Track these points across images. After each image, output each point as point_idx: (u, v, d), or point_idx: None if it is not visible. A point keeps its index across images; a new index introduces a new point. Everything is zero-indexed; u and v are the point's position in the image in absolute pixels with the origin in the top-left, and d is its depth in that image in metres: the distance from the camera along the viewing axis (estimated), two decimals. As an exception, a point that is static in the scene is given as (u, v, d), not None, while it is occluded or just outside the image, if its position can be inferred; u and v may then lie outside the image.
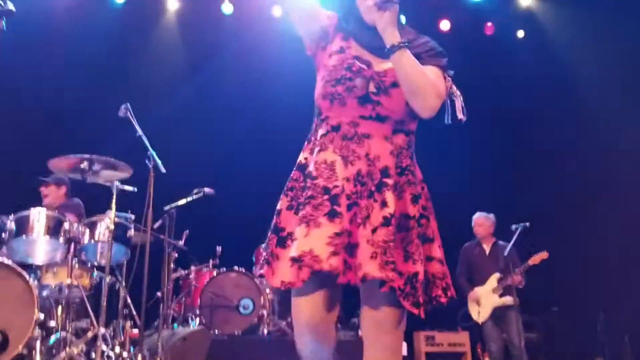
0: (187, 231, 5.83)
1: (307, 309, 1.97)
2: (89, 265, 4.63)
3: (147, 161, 4.32)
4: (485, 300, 5.72)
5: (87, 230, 4.45)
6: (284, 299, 6.43)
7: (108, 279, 4.24)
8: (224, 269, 5.92)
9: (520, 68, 7.78)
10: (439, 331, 6.60)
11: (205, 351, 4.85)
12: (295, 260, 1.81)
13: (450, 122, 2.06)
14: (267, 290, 6.05)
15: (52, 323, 4.21)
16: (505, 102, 7.68)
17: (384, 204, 1.86)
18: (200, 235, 5.98)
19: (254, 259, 6.33)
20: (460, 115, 2.05)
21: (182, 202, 5.39)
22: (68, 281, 4.30)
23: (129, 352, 4.25)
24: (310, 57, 2.16)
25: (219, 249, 6.29)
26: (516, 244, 5.63)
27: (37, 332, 3.93)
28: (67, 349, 4.04)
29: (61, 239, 4.33)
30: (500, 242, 5.92)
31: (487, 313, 5.70)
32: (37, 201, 4.76)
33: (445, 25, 7.96)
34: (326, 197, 1.86)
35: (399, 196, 1.91)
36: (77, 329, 4.37)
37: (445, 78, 2.02)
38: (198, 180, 5.56)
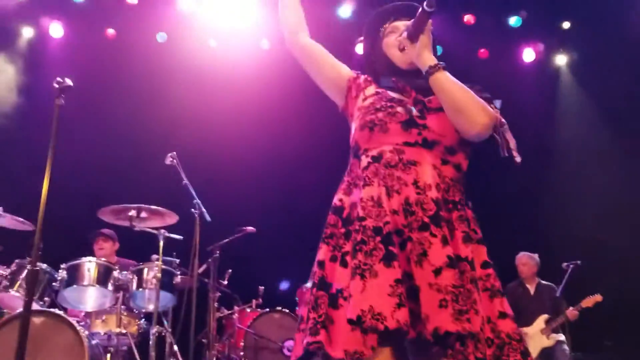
0: (230, 271, 5.86)
1: None
2: (137, 312, 4.68)
3: (193, 209, 4.36)
4: (532, 341, 5.57)
5: (135, 278, 4.51)
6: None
7: (155, 329, 4.27)
8: (267, 309, 5.91)
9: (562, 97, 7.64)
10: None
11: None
12: (354, 322, 1.51)
13: (506, 154, 1.80)
14: (311, 332, 6.01)
15: (102, 372, 4.25)
16: (548, 134, 7.52)
17: (445, 240, 1.60)
18: (242, 274, 6.00)
19: (297, 299, 6.31)
20: (516, 158, 1.80)
21: (224, 241, 5.43)
22: (117, 330, 4.36)
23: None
24: (343, 113, 2.05)
25: (261, 288, 6.30)
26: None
27: (88, 381, 3.97)
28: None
29: (110, 287, 4.40)
30: (544, 282, 5.79)
31: (535, 354, 5.55)
32: (86, 250, 4.83)
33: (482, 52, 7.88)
34: (378, 238, 1.60)
35: (451, 235, 1.65)
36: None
37: (493, 108, 1.81)
38: (240, 219, 5.58)
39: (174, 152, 4.42)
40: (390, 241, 1.60)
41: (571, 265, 5.43)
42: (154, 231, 4.48)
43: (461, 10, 7.29)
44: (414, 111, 1.78)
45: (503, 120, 1.81)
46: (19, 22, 6.85)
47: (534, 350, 5.55)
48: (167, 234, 4.46)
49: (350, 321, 1.52)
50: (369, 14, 2.04)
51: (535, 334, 5.56)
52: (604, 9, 6.77)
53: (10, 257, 4.52)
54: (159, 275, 4.34)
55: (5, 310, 4.68)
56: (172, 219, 4.53)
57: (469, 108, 1.71)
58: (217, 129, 6.39)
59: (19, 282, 4.37)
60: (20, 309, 4.26)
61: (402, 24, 1.89)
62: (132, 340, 4.49)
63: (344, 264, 1.65)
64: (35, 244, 2.57)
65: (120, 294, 4.44)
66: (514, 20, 7.45)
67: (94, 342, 4.33)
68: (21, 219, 4.62)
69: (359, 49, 1.94)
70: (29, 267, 4.32)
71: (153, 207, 4.47)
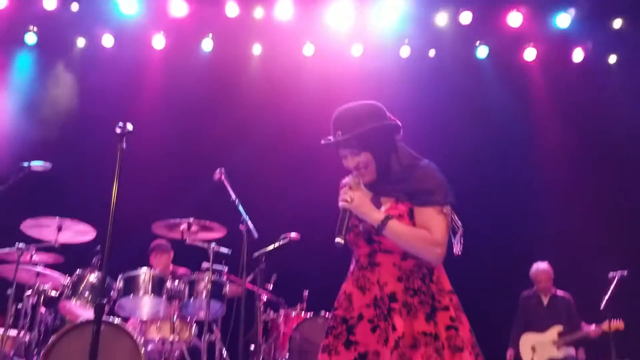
0: (275, 275, 6.05)
1: None
2: (189, 320, 4.93)
3: (240, 225, 4.54)
4: (541, 348, 5.59)
5: (187, 288, 4.75)
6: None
7: (206, 336, 4.50)
8: (312, 313, 6.08)
9: (612, 96, 7.46)
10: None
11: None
12: None
13: (460, 253, 2.21)
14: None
15: (157, 377, 4.52)
16: (598, 133, 7.38)
17: (394, 328, 2.06)
18: (287, 279, 6.18)
19: (341, 303, 6.45)
20: (455, 249, 2.20)
21: (270, 248, 5.61)
22: (171, 337, 4.62)
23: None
24: None
25: (305, 293, 6.48)
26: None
27: (145, 387, 4.24)
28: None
29: (164, 296, 4.65)
30: (560, 294, 5.78)
31: None
32: (140, 261, 5.09)
33: (530, 54, 7.76)
34: (344, 326, 2.14)
35: (413, 315, 2.08)
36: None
37: (445, 214, 2.14)
38: (284, 226, 5.75)
39: (222, 168, 4.61)
40: (351, 332, 2.12)
41: (617, 275, 5.38)
42: (204, 245, 4.70)
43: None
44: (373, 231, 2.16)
45: (454, 220, 2.20)
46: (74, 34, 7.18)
47: (542, 358, 5.57)
48: (216, 248, 4.67)
49: None
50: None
51: (546, 343, 5.58)
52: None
53: (72, 267, 4.83)
54: (209, 285, 4.56)
55: (67, 318, 5.01)
56: (221, 232, 4.74)
57: (420, 251, 2.12)
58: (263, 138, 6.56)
59: (80, 291, 4.67)
60: (83, 318, 4.59)
61: (347, 152, 2.22)
62: (184, 347, 4.75)
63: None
64: (105, 257, 2.78)
65: (174, 303, 4.69)
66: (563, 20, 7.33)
67: (149, 348, 4.61)
68: (86, 226, 4.91)
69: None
70: (93, 278, 4.65)
71: (202, 220, 4.70)
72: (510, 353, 5.75)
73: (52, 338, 4.33)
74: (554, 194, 7.30)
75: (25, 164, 4.63)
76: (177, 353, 4.72)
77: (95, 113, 6.33)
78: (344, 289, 2.21)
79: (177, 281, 4.76)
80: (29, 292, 5.09)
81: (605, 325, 5.35)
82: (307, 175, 7.14)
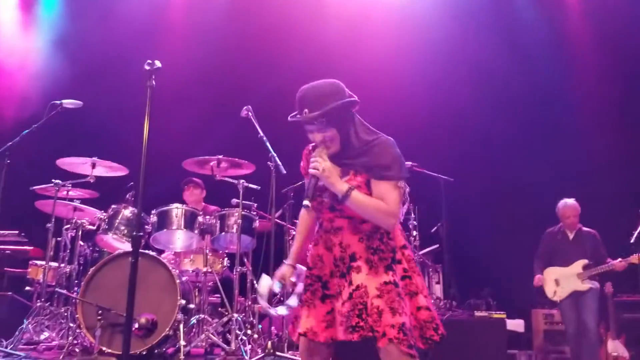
0: (303, 212, 6.15)
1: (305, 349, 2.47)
2: (221, 253, 5.10)
3: (269, 162, 4.60)
4: (565, 281, 5.61)
5: (219, 223, 4.89)
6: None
7: (238, 268, 4.67)
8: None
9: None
10: (559, 309, 6.54)
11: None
12: (301, 334, 2.39)
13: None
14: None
15: (192, 306, 4.71)
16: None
17: (350, 283, 2.34)
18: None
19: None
20: (400, 218, 2.48)
21: (299, 184, 5.69)
22: (204, 269, 4.80)
23: (259, 333, 4.70)
24: None
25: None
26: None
27: (180, 316, 4.43)
28: (206, 330, 4.56)
29: (196, 231, 4.80)
30: (585, 229, 5.76)
31: (565, 294, 5.61)
32: (172, 197, 5.22)
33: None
34: (319, 283, 2.41)
35: (375, 271, 2.35)
36: (213, 311, 4.87)
37: (399, 187, 2.37)
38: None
39: (249, 106, 4.63)
40: (327, 287, 2.40)
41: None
42: (234, 181, 4.79)
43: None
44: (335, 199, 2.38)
45: (405, 194, 2.62)
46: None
47: (565, 291, 5.61)
48: (245, 184, 4.76)
49: (300, 334, 2.39)
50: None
51: (570, 276, 5.60)
52: None
53: (106, 203, 4.99)
54: (240, 220, 4.68)
55: (105, 250, 5.23)
56: (250, 169, 4.82)
57: (377, 219, 2.36)
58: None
59: (116, 225, 4.84)
60: (120, 250, 4.77)
61: (313, 128, 2.39)
62: (217, 277, 4.94)
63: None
64: (140, 193, 2.87)
65: (206, 237, 4.84)
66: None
67: (184, 279, 4.79)
68: (117, 165, 5.06)
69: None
70: (128, 213, 4.81)
71: (231, 158, 4.78)
72: (537, 278, 5.79)
73: (92, 269, 4.52)
74: (583, 131, 7.20)
75: (57, 102, 4.74)
76: (210, 284, 4.91)
77: (123, 51, 6.34)
78: (317, 252, 2.46)
79: (208, 216, 4.88)
80: (67, 226, 5.32)
81: (633, 259, 5.36)
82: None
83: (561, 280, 5.66)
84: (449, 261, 6.30)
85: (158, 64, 2.77)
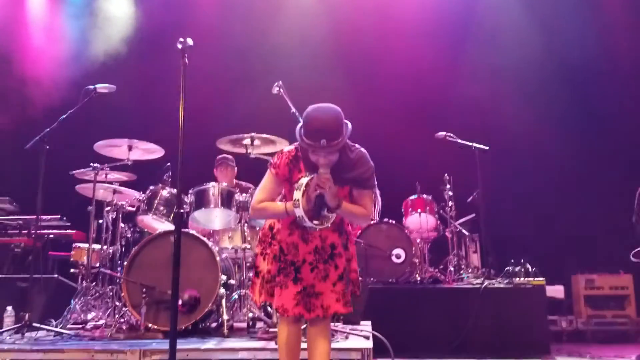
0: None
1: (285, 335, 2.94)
2: (258, 229, 5.13)
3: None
4: None
5: (254, 199, 4.92)
6: (433, 247, 6.68)
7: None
8: (375, 221, 6.24)
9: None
10: (600, 274, 6.46)
11: (364, 297, 5.27)
12: (275, 309, 3.00)
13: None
14: (418, 241, 6.32)
15: (232, 281, 4.80)
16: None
17: (336, 267, 2.85)
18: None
19: (402, 210, 6.58)
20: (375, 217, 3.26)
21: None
22: (242, 245, 4.87)
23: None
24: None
25: (368, 200, 6.61)
26: None
27: (222, 291, 4.52)
28: (247, 304, 4.65)
29: (233, 209, 4.86)
30: None
31: None
32: (206, 176, 5.28)
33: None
34: (292, 267, 2.83)
35: (347, 252, 2.92)
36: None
37: (374, 194, 3.07)
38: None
39: (280, 82, 4.62)
40: (299, 270, 2.83)
41: None
42: (268, 158, 4.80)
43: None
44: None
45: (377, 197, 3.32)
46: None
47: None
48: (279, 159, 4.76)
49: (275, 309, 2.98)
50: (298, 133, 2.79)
51: None
52: None
53: (144, 185, 5.08)
54: (275, 196, 4.71)
55: (145, 230, 5.34)
56: (283, 145, 4.81)
57: (358, 220, 3.10)
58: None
59: (155, 206, 4.93)
60: (160, 230, 4.87)
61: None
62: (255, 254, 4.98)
63: (264, 259, 2.97)
64: (179, 170, 2.93)
65: (243, 214, 4.88)
66: None
67: (223, 255, 4.87)
68: (153, 145, 5.12)
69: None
70: (166, 193, 4.89)
71: (264, 134, 4.80)
72: None
73: (134, 249, 4.64)
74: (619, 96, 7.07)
75: (91, 87, 4.81)
76: (249, 260, 4.98)
77: (155, 30, 6.37)
78: (292, 240, 2.86)
79: (244, 194, 4.93)
80: (107, 209, 5.44)
81: None
82: (364, 81, 7.09)
83: None
84: (485, 230, 6.25)
85: (190, 41, 2.79)
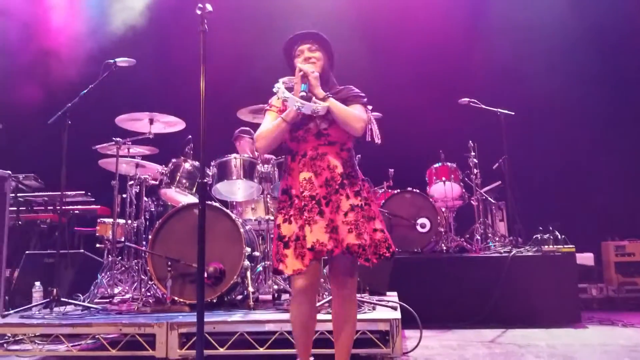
0: (360, 156, 6.09)
1: (305, 281, 2.78)
2: (281, 200, 5.09)
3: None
4: None
5: (277, 170, 4.87)
6: (459, 216, 6.58)
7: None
8: (399, 190, 6.15)
9: None
10: (630, 241, 6.33)
11: (389, 266, 5.21)
12: (310, 249, 2.67)
13: (370, 139, 2.95)
14: (443, 209, 6.22)
15: (257, 253, 4.77)
16: None
17: (347, 197, 2.78)
18: (372, 158, 6.21)
19: (426, 179, 6.48)
20: (376, 140, 2.98)
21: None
22: (266, 217, 4.83)
23: (324, 277, 4.72)
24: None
25: (391, 171, 6.53)
26: None
27: (247, 263, 4.50)
28: (273, 276, 4.63)
29: (255, 180, 4.81)
30: None
31: None
32: (227, 148, 5.23)
33: None
34: (314, 202, 2.75)
35: (350, 191, 2.81)
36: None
37: (367, 110, 2.90)
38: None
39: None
40: (320, 203, 2.76)
41: None
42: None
43: None
44: (322, 125, 2.84)
45: (371, 116, 2.93)
46: None
47: None
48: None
49: (308, 249, 2.67)
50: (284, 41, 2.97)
51: None
52: None
53: (166, 158, 5.05)
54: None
55: (169, 204, 5.33)
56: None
57: (351, 121, 2.80)
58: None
59: (177, 179, 4.91)
60: (184, 202, 4.85)
61: (305, 47, 2.94)
62: (279, 225, 4.94)
63: (291, 222, 2.78)
64: (202, 142, 2.83)
65: (266, 185, 4.84)
66: None
67: (247, 227, 4.84)
68: (174, 118, 5.08)
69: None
70: (188, 166, 4.86)
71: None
72: None
73: (158, 223, 4.62)
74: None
75: (111, 62, 4.76)
76: (273, 231, 4.94)
77: (173, 2, 6.27)
78: (303, 177, 2.81)
79: (266, 165, 4.87)
80: (131, 183, 5.45)
81: None
82: (386, 49, 6.93)
83: None
84: (512, 197, 6.13)
85: (209, 7, 2.69)
